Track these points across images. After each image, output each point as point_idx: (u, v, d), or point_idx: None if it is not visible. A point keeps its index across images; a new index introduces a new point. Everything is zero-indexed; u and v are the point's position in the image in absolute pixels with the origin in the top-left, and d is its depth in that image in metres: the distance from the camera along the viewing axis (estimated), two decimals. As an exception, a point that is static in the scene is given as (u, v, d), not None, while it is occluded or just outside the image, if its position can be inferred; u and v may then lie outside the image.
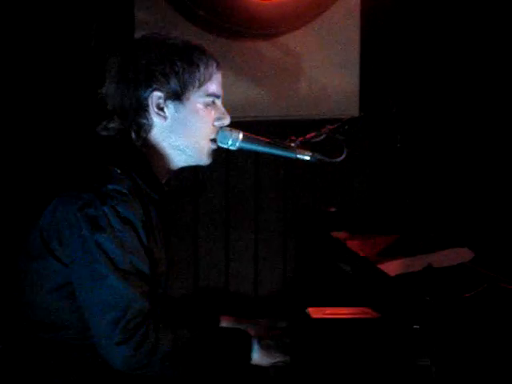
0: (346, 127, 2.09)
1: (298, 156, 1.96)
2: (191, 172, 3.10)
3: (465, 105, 3.22)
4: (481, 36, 3.18)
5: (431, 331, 1.88)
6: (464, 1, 3.18)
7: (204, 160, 1.92)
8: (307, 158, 1.96)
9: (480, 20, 3.17)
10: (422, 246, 2.49)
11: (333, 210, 3.00)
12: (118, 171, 1.76)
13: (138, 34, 2.94)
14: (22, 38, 2.96)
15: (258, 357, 1.85)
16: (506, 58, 3.15)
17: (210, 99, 1.89)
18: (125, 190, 1.73)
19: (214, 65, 1.90)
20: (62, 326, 1.79)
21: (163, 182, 1.93)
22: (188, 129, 1.87)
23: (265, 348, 1.87)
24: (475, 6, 3.17)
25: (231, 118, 1.95)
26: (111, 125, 1.87)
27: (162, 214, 1.92)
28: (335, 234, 2.71)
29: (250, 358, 1.85)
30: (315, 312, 1.97)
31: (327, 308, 2.01)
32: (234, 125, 1.96)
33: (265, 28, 3.06)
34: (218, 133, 1.91)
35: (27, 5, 2.95)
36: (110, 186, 1.72)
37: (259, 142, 1.96)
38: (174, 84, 1.84)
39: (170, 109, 1.85)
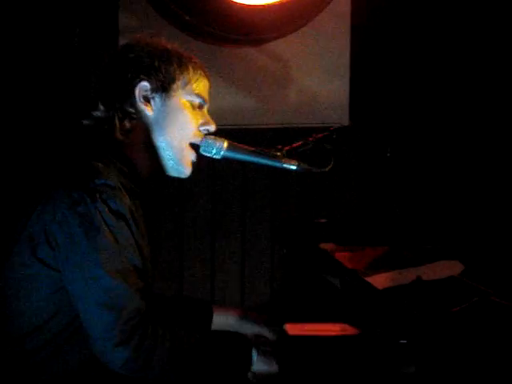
0: (335, 136, 2.08)
1: (284, 165, 1.94)
2: (177, 181, 3.07)
3: (455, 115, 3.23)
4: (472, 45, 3.19)
5: (418, 346, 1.85)
6: (455, 10, 3.18)
7: (182, 168, 1.90)
8: (293, 167, 1.95)
9: (472, 29, 3.18)
10: (411, 259, 2.48)
11: (321, 220, 2.98)
12: (101, 165, 1.73)
13: (122, 39, 2.96)
14: (6, 40, 2.93)
15: (256, 364, 1.84)
16: (497, 68, 3.16)
17: (196, 100, 1.89)
18: (113, 184, 1.71)
19: (202, 71, 1.93)
20: (58, 329, 1.76)
21: (144, 177, 1.90)
22: (172, 125, 1.87)
23: (264, 355, 1.85)
24: (467, 15, 3.18)
25: (217, 125, 1.94)
26: (96, 113, 1.86)
27: (145, 211, 1.90)
28: (323, 245, 2.70)
29: (250, 364, 1.83)
30: (293, 328, 1.95)
31: (305, 324, 2.00)
32: (220, 132, 1.94)
33: (253, 34, 3.05)
34: (201, 140, 1.89)
35: (10, 8, 2.92)
36: (97, 181, 1.69)
37: (244, 151, 1.94)
38: (161, 76, 1.86)
39: (156, 101, 1.87)
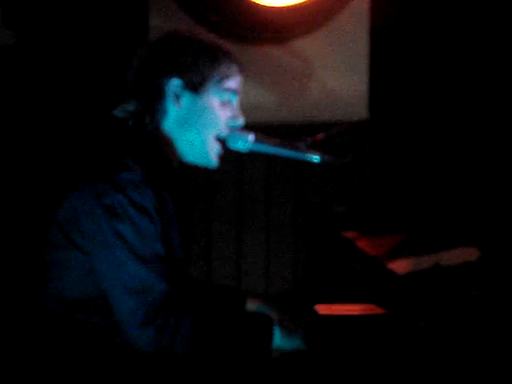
0: (355, 129, 2.10)
1: (308, 157, 1.99)
2: (205, 173, 3.12)
3: (473, 105, 3.21)
4: (492, 40, 3.18)
5: (438, 328, 1.89)
6: (473, 6, 3.17)
7: (210, 160, 1.93)
8: (317, 159, 1.99)
9: (492, 24, 3.17)
10: (429, 245, 2.49)
11: (343, 210, 3.00)
12: (131, 159, 1.78)
13: (152, 36, 2.97)
14: (40, 41, 3.00)
15: (279, 341, 1.83)
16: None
17: (226, 95, 1.90)
18: (138, 179, 1.75)
19: (237, 67, 1.92)
20: (91, 308, 1.81)
21: (175, 167, 1.95)
22: (200, 122, 1.89)
23: (286, 332, 1.85)
24: (486, 10, 3.17)
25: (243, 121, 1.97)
26: (128, 108, 1.89)
27: (176, 202, 1.94)
28: (345, 233, 2.72)
29: (271, 343, 1.82)
30: (323, 309, 1.97)
31: (334, 304, 2.02)
32: (245, 128, 1.98)
33: (275, 33, 3.08)
34: (228, 135, 1.93)
35: (41, 10, 2.99)
36: (123, 175, 1.74)
37: (269, 144, 1.98)
38: (193, 74, 1.86)
39: (186, 98, 1.87)
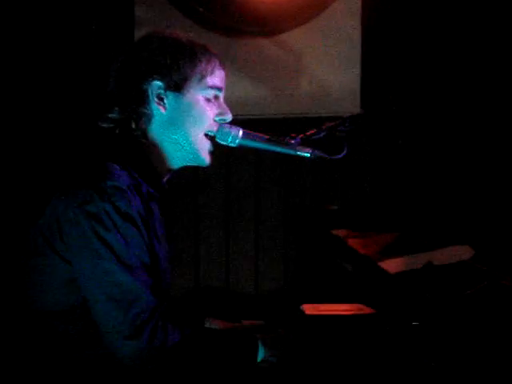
0: (347, 124, 2.08)
1: (298, 153, 1.95)
2: (192, 169, 3.10)
3: (466, 102, 3.21)
4: (483, 33, 3.17)
5: (431, 328, 1.87)
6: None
7: (202, 158, 1.91)
8: (307, 154, 1.96)
9: (482, 17, 3.16)
10: (422, 244, 2.50)
11: (333, 207, 3.00)
12: (117, 167, 1.76)
13: (137, 31, 2.97)
14: (21, 36, 2.96)
15: (263, 356, 1.84)
16: (506, 54, 3.14)
17: (211, 92, 1.89)
18: (123, 187, 1.73)
19: (217, 62, 1.91)
20: (70, 318, 1.77)
21: (164, 179, 1.92)
22: (187, 120, 1.87)
23: (270, 346, 1.86)
24: (477, 3, 3.16)
25: (232, 115, 1.94)
26: (112, 115, 1.86)
27: (164, 212, 1.92)
28: (336, 231, 2.72)
29: (256, 358, 1.83)
30: (310, 309, 1.97)
31: (322, 305, 2.01)
32: (234, 122, 1.96)
33: (265, 25, 3.06)
34: (217, 130, 1.91)
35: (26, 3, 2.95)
36: (108, 182, 1.72)
37: (259, 139, 1.95)
38: (174, 75, 1.85)
39: (169, 99, 1.86)
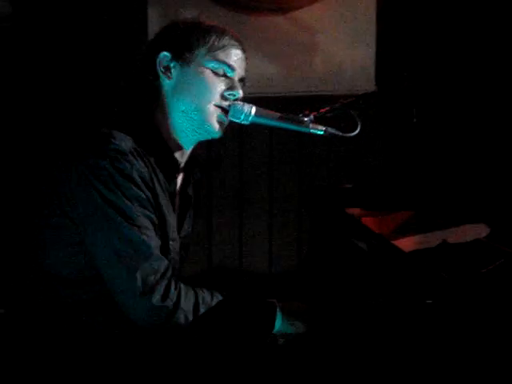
0: (361, 102, 2.07)
1: (312, 130, 1.94)
2: (204, 147, 3.09)
3: (482, 78, 3.20)
4: (500, 10, 3.15)
5: (445, 306, 1.86)
6: None
7: (212, 128, 1.91)
8: (320, 132, 1.95)
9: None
10: (437, 222, 2.48)
11: (347, 186, 2.98)
12: (121, 133, 1.79)
13: (150, 10, 2.96)
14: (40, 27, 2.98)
15: (280, 325, 1.84)
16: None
17: (219, 66, 1.90)
18: (124, 149, 1.76)
19: (234, 42, 1.92)
20: (78, 280, 1.79)
21: (178, 158, 1.94)
22: (192, 91, 1.89)
23: (288, 316, 1.85)
24: None
25: (244, 93, 1.95)
26: (121, 85, 1.93)
27: (182, 187, 1.95)
28: (350, 210, 2.70)
29: (273, 326, 1.83)
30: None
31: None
32: (248, 100, 1.95)
33: (280, 2, 3.06)
34: (229, 106, 1.91)
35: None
36: (111, 146, 1.75)
37: (272, 117, 1.94)
38: (181, 46, 1.89)
39: (175, 69, 1.90)
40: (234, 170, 3.24)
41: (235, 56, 1.93)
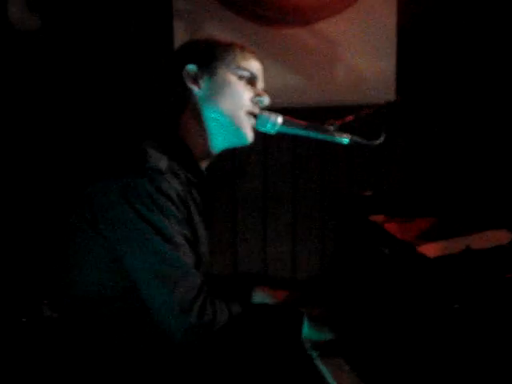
0: (384, 111, 2.09)
1: (337, 138, 1.98)
2: (229, 156, 3.12)
3: (504, 88, 3.19)
4: None
5: (472, 310, 1.88)
6: None
7: (243, 135, 1.94)
8: (346, 140, 1.98)
9: None
10: (460, 228, 2.48)
11: (370, 193, 2.99)
12: (152, 151, 1.81)
13: (176, 23, 2.99)
14: (65, 31, 3.02)
15: (308, 332, 1.86)
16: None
17: (244, 73, 1.94)
18: (162, 168, 1.78)
19: (251, 53, 1.97)
20: (100, 299, 1.80)
21: (203, 165, 1.96)
22: (221, 98, 1.92)
23: (315, 324, 1.88)
24: None
25: (270, 103, 1.98)
26: (150, 99, 1.97)
27: (204, 197, 1.96)
28: (373, 217, 2.71)
29: (300, 333, 1.85)
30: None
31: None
32: (272, 110, 1.98)
33: (302, 15, 3.09)
34: (257, 116, 1.94)
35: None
36: (147, 165, 1.76)
37: (298, 126, 1.97)
38: (207, 58, 1.93)
39: (203, 80, 1.93)
40: (258, 179, 3.25)
41: (256, 66, 1.97)
